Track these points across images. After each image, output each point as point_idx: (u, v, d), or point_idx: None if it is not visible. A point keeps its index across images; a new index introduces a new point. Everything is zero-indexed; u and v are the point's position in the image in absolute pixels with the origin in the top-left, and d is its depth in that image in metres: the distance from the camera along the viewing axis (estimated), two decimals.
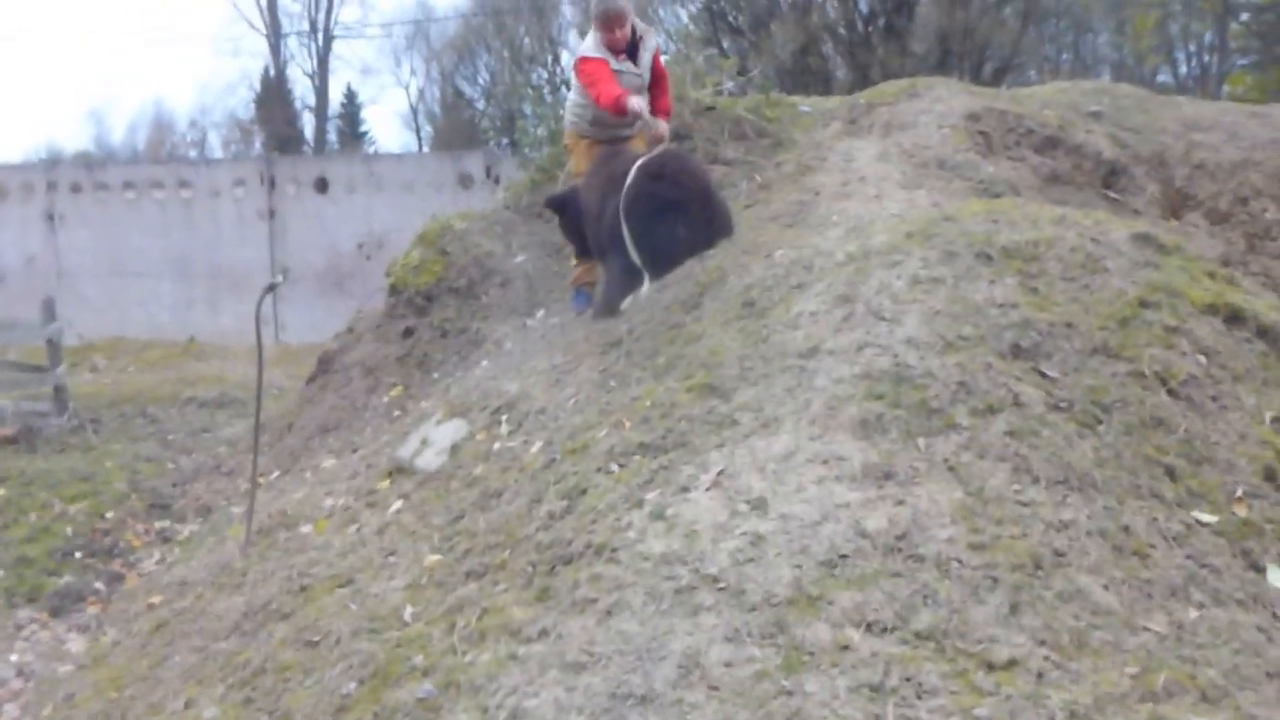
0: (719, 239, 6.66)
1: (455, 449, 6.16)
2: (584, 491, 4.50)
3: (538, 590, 3.95)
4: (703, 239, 6.66)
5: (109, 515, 8.88)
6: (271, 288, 6.96)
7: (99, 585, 7.65)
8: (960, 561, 3.46)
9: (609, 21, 7.61)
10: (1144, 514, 3.82)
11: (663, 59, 8.25)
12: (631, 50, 7.76)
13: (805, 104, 10.22)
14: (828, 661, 3.16)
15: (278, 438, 9.74)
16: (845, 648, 3.19)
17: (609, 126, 7.93)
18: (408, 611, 4.41)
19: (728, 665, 3.21)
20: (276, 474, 8.63)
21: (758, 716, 3.02)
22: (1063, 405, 4.22)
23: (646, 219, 6.82)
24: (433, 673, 3.79)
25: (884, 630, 3.24)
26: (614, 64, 7.65)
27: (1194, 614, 3.44)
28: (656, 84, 8.08)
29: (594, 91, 7.57)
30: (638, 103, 7.45)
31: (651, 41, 7.95)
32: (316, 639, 4.56)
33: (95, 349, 19.28)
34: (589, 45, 7.81)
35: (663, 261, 6.73)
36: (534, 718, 3.24)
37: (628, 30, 7.67)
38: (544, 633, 3.65)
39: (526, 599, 3.94)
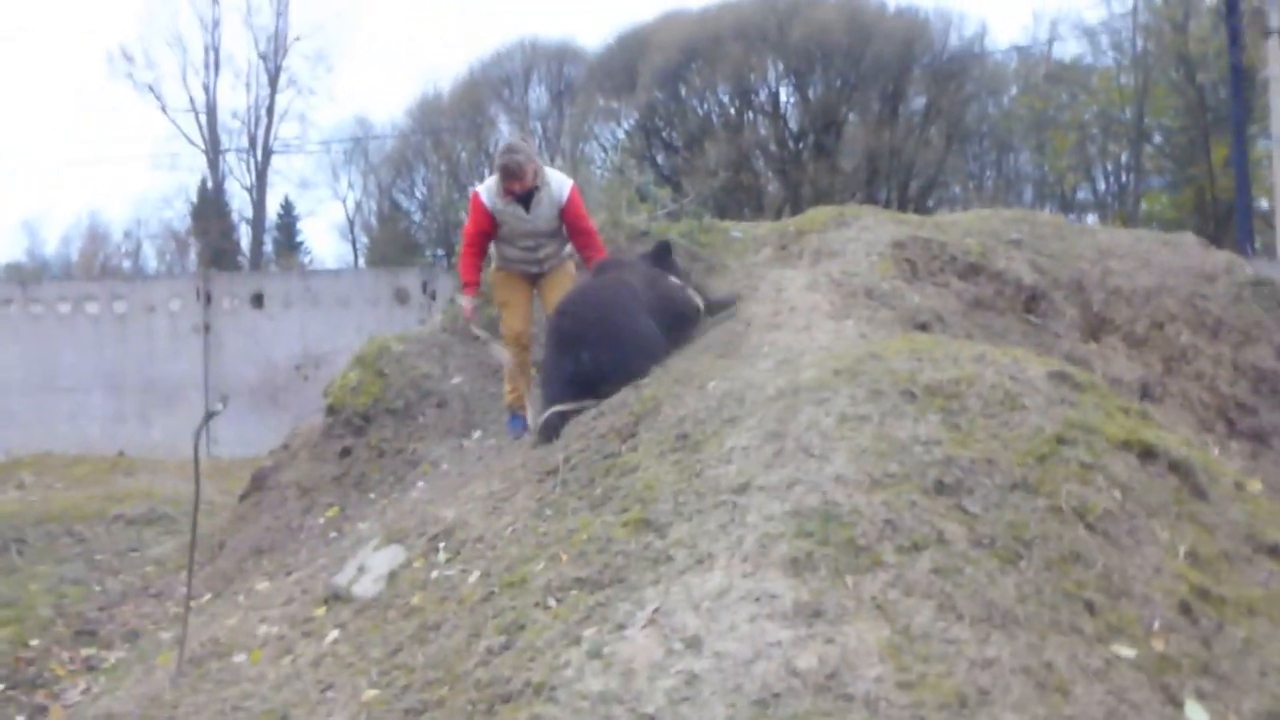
0: (630, 368, 7.03)
1: (393, 576, 6.17)
2: (522, 627, 4.55)
3: None
4: (601, 371, 7.07)
5: (33, 643, 8.68)
6: (211, 415, 6.99)
7: (21, 719, 7.49)
8: (888, 701, 3.55)
9: (504, 175, 8.07)
10: (1065, 649, 3.94)
11: (583, 204, 8.65)
12: (526, 198, 8.13)
13: (737, 230, 10.46)
14: None
15: (210, 558, 9.65)
16: None
17: (517, 262, 8.44)
18: None
19: None
20: (208, 597, 8.54)
21: None
22: (985, 541, 4.36)
23: (548, 352, 7.56)
24: None
25: None
26: (500, 205, 8.13)
27: None
28: (581, 237, 8.44)
29: (462, 249, 8.51)
30: (470, 308, 8.49)
31: (558, 192, 8.27)
32: None
33: (22, 465, 18.93)
34: (486, 185, 8.32)
35: (553, 389, 7.32)
36: None
37: (526, 182, 8.06)
38: None
39: None
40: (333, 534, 8.24)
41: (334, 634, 5.85)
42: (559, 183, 8.31)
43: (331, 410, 9.67)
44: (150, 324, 21.22)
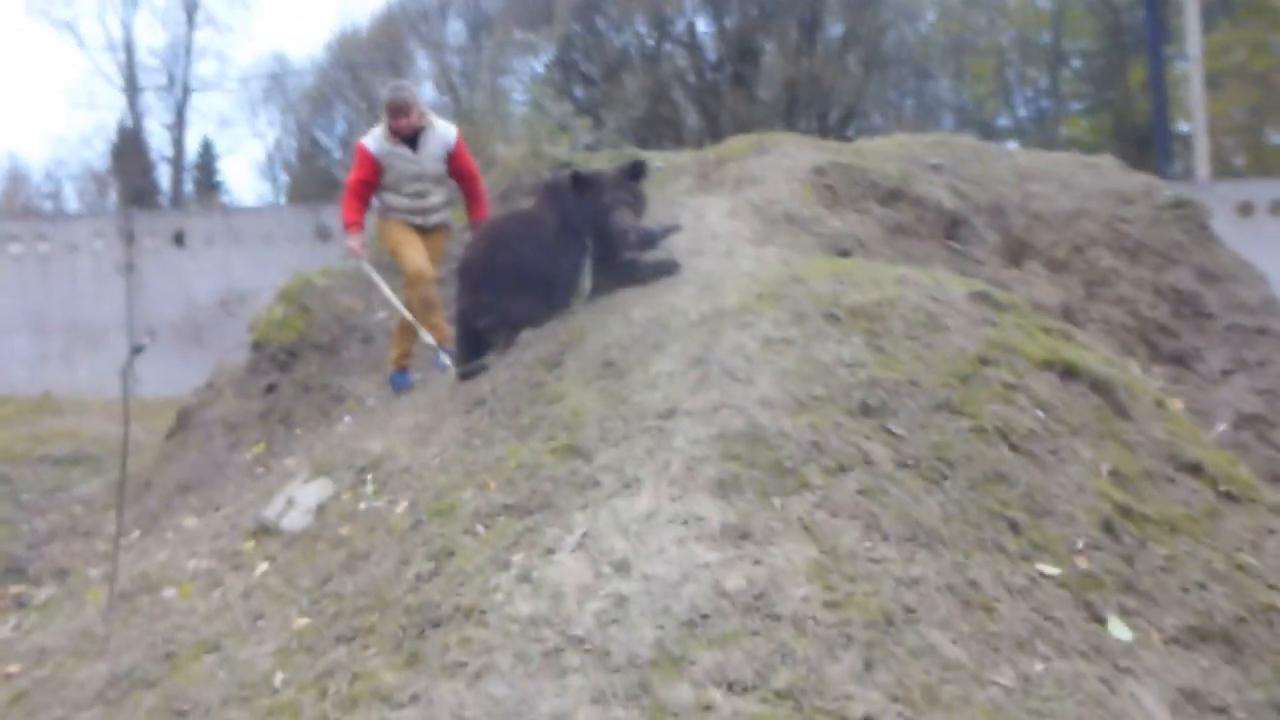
0: (501, 313, 6.89)
1: (321, 509, 6.09)
2: (451, 554, 4.50)
3: (408, 654, 3.95)
4: (490, 316, 6.93)
5: None
6: (138, 350, 6.83)
7: None
8: (816, 620, 3.55)
9: (391, 110, 8.00)
10: (989, 568, 3.96)
11: (468, 150, 8.53)
12: (412, 139, 8.05)
13: (658, 160, 10.36)
14: None
15: (137, 496, 9.48)
16: (708, 708, 3.25)
17: (403, 211, 8.26)
18: (278, 678, 4.36)
19: None
20: (136, 534, 8.39)
21: None
22: (909, 462, 4.36)
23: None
24: None
25: (744, 689, 3.31)
26: (386, 148, 8.02)
27: (1039, 666, 3.57)
28: (467, 181, 8.41)
29: (344, 196, 8.25)
30: (356, 245, 8.23)
31: (445, 135, 8.20)
32: (185, 708, 4.47)
33: None
34: (372, 133, 8.18)
35: (458, 329, 7.33)
36: None
37: (413, 119, 8.01)
38: (415, 698, 3.65)
39: (397, 663, 3.93)
40: (259, 470, 8.12)
41: (263, 566, 5.77)
42: (445, 127, 8.30)
43: (256, 346, 9.51)
44: (73, 264, 20.76)
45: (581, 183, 6.85)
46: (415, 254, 8.09)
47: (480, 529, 4.60)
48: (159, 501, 8.91)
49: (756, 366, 4.89)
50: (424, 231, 8.27)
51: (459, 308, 7.23)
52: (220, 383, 10.12)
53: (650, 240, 7.06)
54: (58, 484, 11.79)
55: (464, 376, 6.82)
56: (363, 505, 5.76)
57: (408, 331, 8.18)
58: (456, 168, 8.27)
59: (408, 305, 8.14)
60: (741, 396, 4.70)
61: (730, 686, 3.31)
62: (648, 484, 4.35)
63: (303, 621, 4.79)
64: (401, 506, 5.38)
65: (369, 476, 6.03)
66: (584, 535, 4.16)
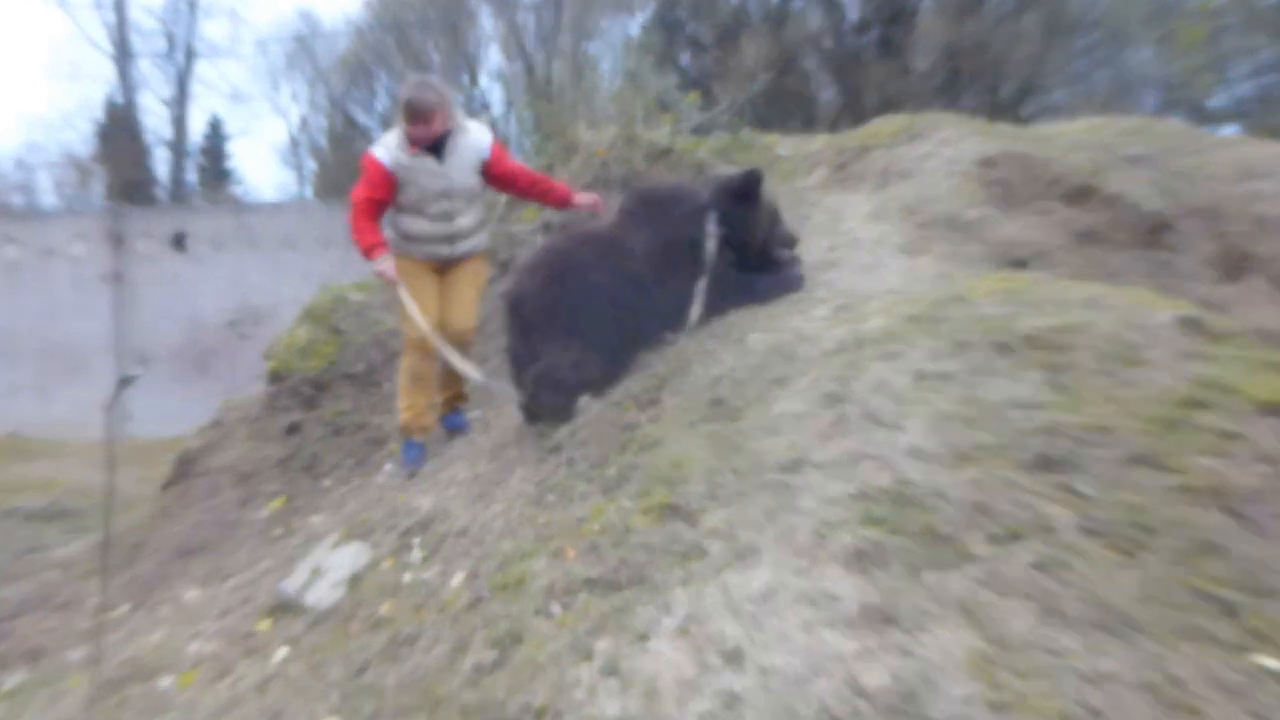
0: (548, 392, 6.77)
1: (355, 581, 6.21)
2: (519, 639, 4.59)
3: None
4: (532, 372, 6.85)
5: None
6: (127, 382, 7.02)
7: None
8: None
9: (411, 114, 7.76)
10: (1196, 661, 3.94)
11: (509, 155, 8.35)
12: (438, 147, 7.90)
13: (783, 146, 10.45)
14: None
15: (126, 561, 9.69)
16: None
17: (424, 241, 8.11)
18: None
19: None
20: (125, 609, 8.58)
21: None
22: (1098, 529, 4.35)
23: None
24: None
25: None
26: (404, 161, 7.83)
27: None
28: (520, 184, 8.28)
29: (352, 220, 7.85)
30: (389, 266, 7.75)
31: (478, 142, 8.07)
32: None
33: None
34: (385, 141, 7.99)
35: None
36: None
37: (435, 126, 7.80)
38: None
39: None
40: (278, 530, 8.28)
41: (283, 651, 5.90)
42: (479, 131, 8.15)
43: (275, 377, 9.71)
44: (48, 273, 21.27)
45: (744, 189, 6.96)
46: (423, 310, 7.94)
47: (556, 608, 4.68)
48: (154, 568, 9.09)
49: (906, 407, 4.92)
50: (451, 266, 8.20)
51: (507, 353, 7.21)
52: (230, 421, 10.33)
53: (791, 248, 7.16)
54: (29, 545, 12.07)
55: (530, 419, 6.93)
56: (408, 577, 5.88)
57: (422, 384, 8.11)
58: (497, 176, 8.17)
59: (404, 375, 8.11)
60: (886, 445, 4.74)
61: None
62: (767, 554, 4.39)
63: None
64: (457, 579, 5.49)
65: (416, 541, 6.15)
66: (686, 617, 4.22)
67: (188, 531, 9.23)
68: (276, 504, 8.71)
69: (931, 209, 8.24)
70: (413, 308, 7.79)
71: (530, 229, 9.69)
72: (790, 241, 7.65)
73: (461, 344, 7.96)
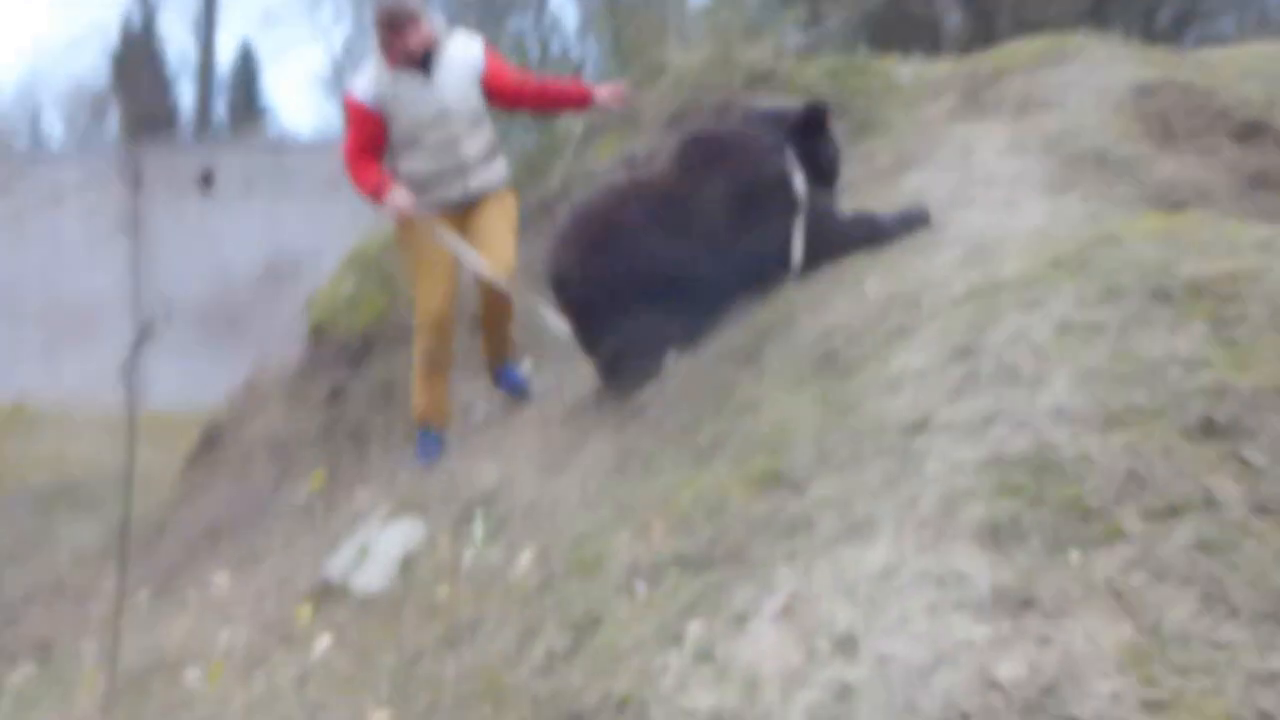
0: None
1: (408, 562, 6.27)
2: (598, 623, 4.62)
3: None
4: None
5: None
6: (147, 335, 7.06)
7: None
8: None
9: (387, 24, 7.68)
10: None
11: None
12: (424, 63, 7.82)
13: (905, 70, 10.41)
14: None
15: (146, 545, 9.85)
16: None
17: (432, 185, 8.03)
18: None
19: None
20: (146, 596, 8.73)
21: None
22: (1270, 505, 4.31)
23: None
24: None
25: None
26: (388, 89, 7.78)
27: None
28: (527, 96, 8.23)
29: (348, 172, 7.81)
30: (405, 198, 7.71)
31: (468, 53, 8.04)
32: None
33: None
34: (362, 75, 7.99)
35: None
36: None
37: (418, 35, 7.73)
38: None
39: None
40: (319, 507, 8.38)
41: (326, 640, 5.97)
42: (467, 40, 8.12)
43: (316, 335, 9.82)
44: (56, 221, 21.46)
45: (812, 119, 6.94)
46: (434, 290, 8.03)
47: (640, 587, 4.71)
48: (178, 551, 9.25)
49: (1048, 362, 4.90)
50: (469, 209, 8.12)
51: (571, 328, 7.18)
52: (264, 387, 10.47)
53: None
54: (37, 528, 12.26)
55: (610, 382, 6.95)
56: (468, 556, 5.93)
57: (439, 370, 8.13)
58: (498, 90, 8.09)
59: (418, 359, 8.12)
60: (1025, 405, 4.72)
61: None
62: (885, 527, 4.39)
63: (382, 715, 4.94)
64: (525, 558, 5.53)
65: (478, 516, 6.19)
66: (791, 598, 4.22)
67: (216, 511, 9.38)
68: (317, 478, 8.81)
69: (1077, 143, 8.18)
70: (459, 244, 7.79)
71: (611, 163, 9.70)
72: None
73: (503, 299, 7.93)
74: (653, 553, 4.83)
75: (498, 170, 8.22)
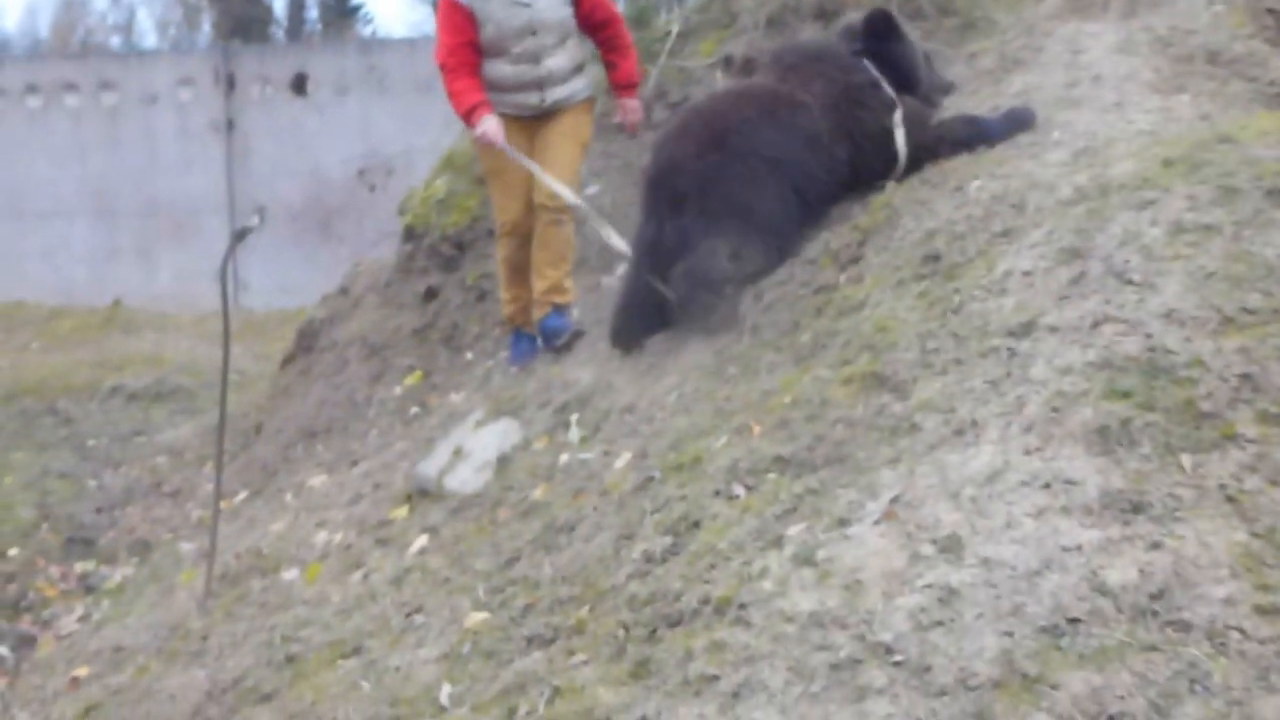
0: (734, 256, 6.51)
1: (504, 463, 6.29)
2: (696, 525, 4.62)
3: (633, 663, 4.06)
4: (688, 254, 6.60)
5: (11, 553, 9.02)
6: (243, 234, 7.08)
7: (3, 651, 7.78)
8: (1244, 632, 3.49)
9: None
10: None
11: None
12: None
13: None
14: None
15: (243, 445, 9.93)
16: None
17: (510, 90, 7.91)
18: (444, 692, 4.53)
19: None
20: (243, 496, 8.81)
21: None
22: None
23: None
24: None
25: None
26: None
27: None
28: (603, 32, 8.09)
29: (444, 80, 7.74)
30: (494, 128, 7.57)
31: None
32: None
33: None
34: None
35: (631, 266, 7.19)
36: None
37: None
38: None
39: (617, 676, 4.04)
40: (414, 408, 8.41)
41: (421, 540, 6.00)
42: None
43: (410, 235, 9.79)
44: (150, 121, 21.54)
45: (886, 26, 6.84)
46: (510, 197, 7.95)
47: (739, 491, 4.69)
48: (274, 452, 9.30)
49: (1160, 264, 4.81)
50: (543, 121, 8.00)
51: (639, 240, 7.05)
52: (358, 288, 10.47)
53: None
54: (134, 427, 12.38)
55: (618, 339, 6.88)
56: (565, 458, 5.93)
57: (523, 273, 8.01)
58: (586, 11, 7.94)
59: (501, 265, 8.13)
60: (1136, 307, 4.65)
61: None
62: (991, 430, 4.35)
63: (479, 617, 4.96)
64: (622, 460, 5.53)
65: (574, 418, 6.20)
66: (894, 501, 4.20)
67: (311, 411, 9.41)
68: (412, 380, 8.83)
69: (1190, 41, 8.01)
70: (535, 167, 7.65)
71: (707, 63, 9.60)
72: (946, 89, 7.55)
73: (560, 212, 7.73)
74: (752, 455, 4.81)
75: (578, 86, 8.08)
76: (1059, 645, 3.53)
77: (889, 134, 6.73)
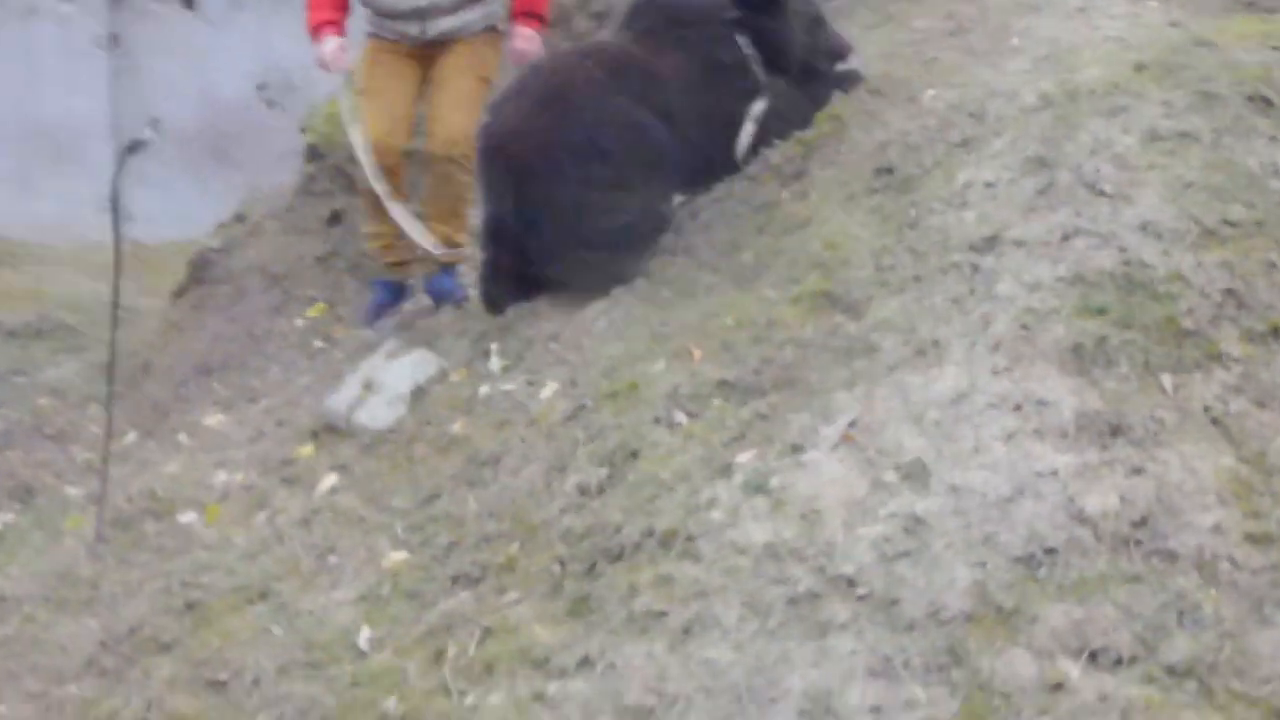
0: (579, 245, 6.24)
1: (419, 396, 6.19)
2: (635, 454, 4.55)
3: (571, 600, 4.02)
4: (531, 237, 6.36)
5: None
6: (134, 148, 6.95)
7: None
8: (1234, 562, 3.48)
9: None
10: None
11: None
12: None
13: None
14: (1031, 709, 3.19)
15: (132, 384, 9.77)
16: (1057, 687, 3.22)
17: (396, 17, 7.51)
18: (364, 635, 4.46)
19: (875, 712, 3.24)
20: (133, 437, 8.66)
21: None
22: None
23: None
24: None
25: (1117, 662, 3.27)
26: None
27: None
28: None
29: None
30: (332, 51, 7.37)
31: None
32: (223, 678, 4.59)
33: None
34: None
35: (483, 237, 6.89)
36: None
37: None
38: (586, 662, 3.70)
39: (554, 614, 4.00)
40: (318, 342, 8.31)
41: (331, 479, 5.90)
42: None
43: (314, 155, 9.66)
44: (28, 36, 21.19)
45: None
46: (382, 115, 7.51)
47: (681, 418, 4.63)
48: (166, 390, 9.17)
49: (1135, 174, 4.80)
50: (437, 51, 7.56)
51: (486, 215, 6.83)
52: (257, 215, 10.36)
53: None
54: (13, 366, 12.20)
55: (488, 302, 6.65)
56: (485, 389, 5.83)
57: (379, 211, 7.60)
58: None
59: (364, 193, 7.68)
60: (1110, 219, 4.63)
61: (1094, 658, 3.27)
62: (955, 350, 4.32)
63: (398, 556, 4.90)
64: (550, 389, 5.44)
65: (494, 347, 6.10)
66: (851, 425, 4.16)
67: (207, 347, 9.29)
68: (316, 311, 8.73)
69: None
70: (354, 115, 7.39)
71: None
72: (841, 52, 7.23)
73: (451, 162, 7.31)
74: (693, 380, 4.76)
75: (470, 16, 7.50)
76: (1035, 577, 3.51)
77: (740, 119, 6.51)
